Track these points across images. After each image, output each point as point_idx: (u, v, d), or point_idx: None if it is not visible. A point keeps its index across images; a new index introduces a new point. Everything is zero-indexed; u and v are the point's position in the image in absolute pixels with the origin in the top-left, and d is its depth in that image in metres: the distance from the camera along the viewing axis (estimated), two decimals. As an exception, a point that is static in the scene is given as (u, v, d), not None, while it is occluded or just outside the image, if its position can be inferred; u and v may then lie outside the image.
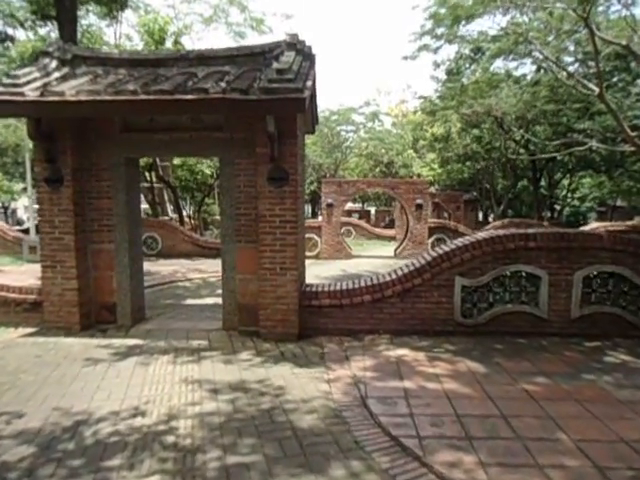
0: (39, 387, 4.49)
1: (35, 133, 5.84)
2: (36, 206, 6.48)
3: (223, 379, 4.69)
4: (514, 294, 6.27)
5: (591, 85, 17.24)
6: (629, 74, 22.78)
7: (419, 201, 16.05)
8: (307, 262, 8.56)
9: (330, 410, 4.02)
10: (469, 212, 30.62)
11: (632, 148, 16.49)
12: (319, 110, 8.18)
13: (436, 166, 38.01)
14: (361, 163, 43.21)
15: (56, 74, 6.13)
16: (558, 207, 38.22)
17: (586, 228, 19.75)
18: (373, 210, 46.55)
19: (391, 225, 34.35)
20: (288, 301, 6.11)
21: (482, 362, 5.20)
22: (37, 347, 5.74)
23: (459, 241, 6.43)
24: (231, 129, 6.19)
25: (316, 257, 16.05)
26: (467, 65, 27.13)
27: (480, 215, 38.75)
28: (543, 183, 33.47)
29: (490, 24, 22.29)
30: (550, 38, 18.26)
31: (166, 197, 23.95)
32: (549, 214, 36.14)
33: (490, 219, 39.38)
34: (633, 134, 14.98)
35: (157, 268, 12.95)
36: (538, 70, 24.89)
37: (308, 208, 45.22)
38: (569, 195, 37.73)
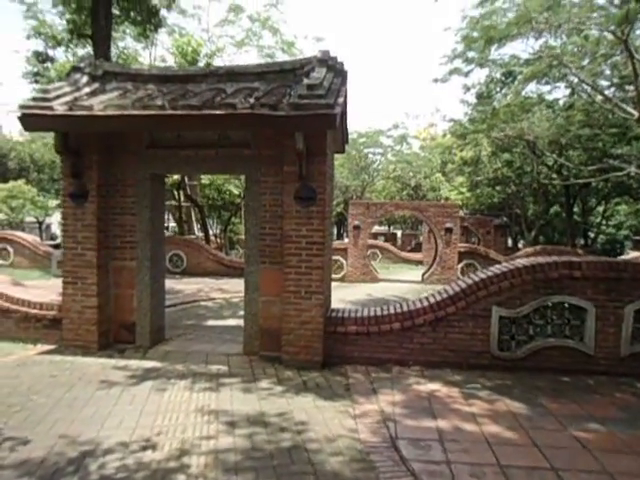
0: (49, 410, 4.26)
1: (62, 147, 5.79)
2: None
3: (241, 410, 4.37)
4: (557, 327, 5.78)
5: (629, 109, 16.63)
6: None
7: (449, 225, 15.60)
8: (332, 285, 8.24)
9: (357, 452, 3.65)
10: (499, 237, 29.82)
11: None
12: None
13: (464, 190, 37.43)
14: (388, 186, 42.96)
15: (86, 89, 6.11)
16: (592, 234, 36.94)
17: (627, 257, 18.84)
18: (399, 233, 46.02)
19: (417, 249, 33.78)
20: (312, 327, 5.79)
21: (524, 402, 4.74)
22: (53, 366, 5.55)
23: (497, 268, 6.02)
24: (258, 146, 6.01)
25: (341, 280, 15.69)
26: (498, 89, 26.82)
27: (509, 241, 37.77)
28: (576, 209, 32.45)
29: (522, 48, 21.97)
30: (585, 62, 17.81)
31: (193, 216, 24.12)
32: (582, 241, 34.94)
33: (519, 245, 38.36)
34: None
35: (181, 286, 12.84)
36: (572, 94, 24.36)
37: (334, 230, 45.04)
38: (603, 222, 36.46)
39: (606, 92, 18.78)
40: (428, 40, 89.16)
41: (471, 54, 18.66)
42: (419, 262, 25.51)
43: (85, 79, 6.25)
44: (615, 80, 19.83)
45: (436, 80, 20.52)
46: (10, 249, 17.33)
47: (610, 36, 17.05)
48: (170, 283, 12.93)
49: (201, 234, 22.03)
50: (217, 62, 19.68)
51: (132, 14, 10.76)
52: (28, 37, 15.21)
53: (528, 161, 28.48)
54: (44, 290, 8.60)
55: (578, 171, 25.13)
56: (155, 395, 4.69)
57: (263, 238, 6.07)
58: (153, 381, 5.10)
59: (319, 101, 5.14)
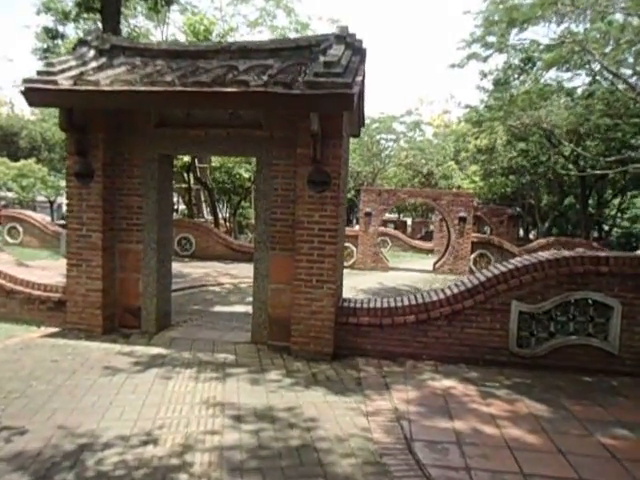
0: (49, 398, 4.10)
1: (67, 124, 5.56)
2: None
3: (248, 403, 4.17)
4: (579, 324, 5.51)
5: (654, 99, 16.03)
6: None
7: (462, 214, 15.24)
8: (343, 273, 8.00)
9: (369, 454, 3.44)
10: (511, 228, 29.34)
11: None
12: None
13: (477, 179, 36.81)
14: (400, 173, 42.40)
15: (93, 64, 5.85)
16: (606, 227, 36.26)
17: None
18: (409, 221, 45.57)
19: (428, 237, 33.41)
20: (323, 317, 5.57)
21: (545, 403, 4.49)
22: (56, 350, 5.40)
23: (518, 261, 5.73)
24: (271, 127, 5.73)
25: (351, 267, 15.45)
26: (516, 75, 26.08)
27: (521, 231, 37.22)
28: (591, 202, 31.77)
29: (543, 33, 21.25)
30: (607, 49, 17.19)
31: (203, 199, 23.92)
32: (596, 234, 34.29)
33: (530, 236, 37.79)
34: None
35: (189, 270, 12.69)
36: (592, 83, 23.64)
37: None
38: (618, 215, 35.72)
39: (629, 81, 18.14)
40: (444, 24, 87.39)
41: (490, 39, 18.09)
42: (430, 251, 25.18)
43: (92, 53, 5.99)
44: (638, 68, 19.17)
45: (453, 65, 19.94)
46: (20, 228, 17.28)
47: (636, 22, 16.40)
48: (178, 266, 12.80)
49: (210, 217, 21.85)
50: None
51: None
52: (38, 12, 14.93)
53: (544, 150, 27.85)
54: (50, 271, 8.47)
55: (595, 162, 24.51)
56: (159, 384, 4.51)
57: (274, 224, 5.83)
58: (158, 369, 4.92)
59: (336, 80, 4.84)
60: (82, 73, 5.53)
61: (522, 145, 28.49)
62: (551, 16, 16.32)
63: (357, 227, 16.14)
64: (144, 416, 3.82)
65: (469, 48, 19.05)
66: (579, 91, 24.54)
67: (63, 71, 5.44)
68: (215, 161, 20.81)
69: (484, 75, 25.85)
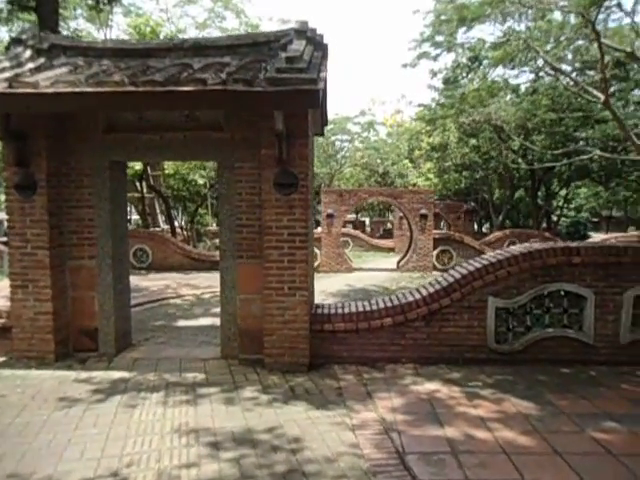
0: (-4, 441, 3.61)
1: (3, 132, 5.02)
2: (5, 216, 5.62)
3: (225, 427, 3.84)
4: (555, 317, 5.49)
5: (595, 92, 16.75)
6: (628, 82, 22.44)
7: (423, 211, 15.33)
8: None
9: (362, 473, 3.19)
10: (467, 223, 30.02)
11: (639, 157, 15.97)
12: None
13: (432, 176, 37.51)
14: (356, 173, 42.66)
15: (30, 65, 5.31)
16: (554, 218, 37.80)
17: (595, 240, 19.15)
18: (367, 220, 45.91)
19: (386, 235, 33.67)
20: (298, 326, 5.29)
21: (531, 400, 4.40)
22: (2, 383, 4.84)
23: (491, 256, 5.66)
24: (232, 129, 5.41)
25: (316, 270, 15.18)
26: (464, 74, 26.70)
27: (475, 226, 38.20)
28: (540, 194, 33.01)
29: (488, 32, 21.84)
30: (548, 47, 17.84)
31: (157, 208, 23.05)
32: (545, 225, 35.67)
33: (484, 229, 38.88)
34: (639, 142, 14.48)
35: (147, 283, 12.06)
36: (536, 79, 24.56)
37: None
38: (565, 206, 37.36)
39: (561, 77, 18.91)
40: (393, 25, 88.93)
41: (439, 38, 18.40)
42: (391, 249, 25.33)
43: (28, 53, 5.45)
44: (577, 65, 20.03)
45: (405, 65, 20.19)
46: (-44, 248, 15.97)
47: (573, 20, 17.10)
48: (135, 280, 12.13)
49: (166, 226, 21.08)
50: (178, 44, 18.64)
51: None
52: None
53: (494, 146, 28.66)
54: (-7, 293, 7.74)
55: (542, 155, 25.46)
56: (123, 413, 4.09)
57: (239, 230, 5.50)
58: (121, 396, 4.48)
59: (300, 75, 4.59)
60: (17, 75, 5.00)
61: (473, 141, 29.22)
62: (497, 15, 16.75)
63: (319, 229, 15.91)
64: (109, 453, 3.41)
65: (420, 48, 19.33)
66: (523, 88, 25.46)
67: (-5, 73, 4.90)
68: (169, 168, 20.09)
69: (434, 74, 26.33)
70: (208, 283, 11.86)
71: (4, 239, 23.80)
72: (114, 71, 5.14)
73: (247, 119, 5.31)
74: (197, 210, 22.03)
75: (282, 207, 5.21)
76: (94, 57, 5.58)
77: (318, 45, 5.39)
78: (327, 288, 11.33)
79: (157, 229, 20.68)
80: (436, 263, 15.82)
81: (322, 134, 7.03)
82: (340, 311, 5.62)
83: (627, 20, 18.73)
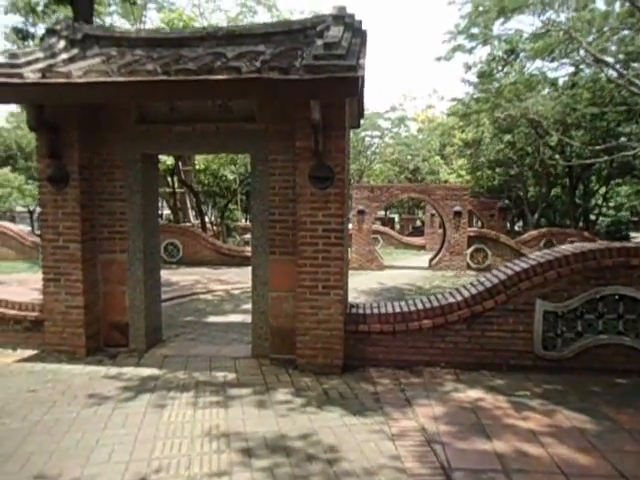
0: (24, 439, 3.52)
1: (36, 123, 4.95)
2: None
3: (257, 432, 3.65)
4: (609, 322, 5.09)
5: (643, 85, 15.85)
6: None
7: (457, 208, 14.86)
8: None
9: (406, 490, 2.94)
10: (501, 221, 29.18)
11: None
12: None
13: (464, 172, 36.67)
14: (386, 169, 42.11)
15: (63, 55, 5.25)
16: (592, 217, 36.37)
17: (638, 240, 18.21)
18: (397, 217, 45.29)
19: (416, 233, 33.09)
20: (331, 326, 5.06)
21: (585, 413, 4.05)
22: (33, 377, 4.80)
23: (539, 256, 5.30)
24: (265, 120, 5.21)
25: (345, 267, 14.97)
26: (500, 67, 25.88)
27: (508, 224, 37.13)
28: (577, 191, 31.78)
29: (527, 23, 21.08)
30: (590, 38, 17.04)
31: (188, 202, 23.22)
32: (582, 224, 34.36)
33: (516, 228, 37.73)
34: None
35: (177, 278, 12.07)
36: (576, 73, 23.57)
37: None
38: (604, 204, 35.86)
39: (610, 70, 18.03)
40: (424, 18, 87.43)
41: (475, 30, 17.83)
42: (422, 247, 24.87)
43: (62, 44, 5.39)
44: (621, 57, 19.09)
45: (439, 58, 19.70)
46: (-5, 240, 16.44)
47: (617, 9, 16.25)
48: (165, 274, 12.13)
49: (197, 222, 21.21)
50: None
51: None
52: (6, 12, 14.16)
53: (530, 142, 27.72)
54: (28, 285, 7.82)
55: (581, 151, 24.45)
56: (153, 414, 3.95)
57: (272, 225, 5.30)
58: (150, 394, 4.36)
59: (339, 62, 4.33)
60: (51, 65, 4.94)
61: (508, 137, 28.33)
62: (537, 5, 16.08)
63: (350, 226, 15.64)
64: (137, 456, 3.26)
65: (454, 40, 18.78)
66: (561, 81, 24.49)
67: (29, 63, 4.84)
68: (200, 163, 20.18)
69: (468, 68, 25.59)
70: (238, 279, 11.79)
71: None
72: (146, 61, 5.01)
73: (281, 110, 5.10)
74: (227, 205, 22.07)
75: (317, 202, 4.98)
76: (127, 47, 5.47)
77: (357, 31, 5.13)
78: (358, 286, 11.06)
79: (188, 224, 20.83)
80: (470, 262, 15.33)
81: (358, 126, 6.76)
82: (376, 311, 5.37)
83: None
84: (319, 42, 4.82)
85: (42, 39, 5.57)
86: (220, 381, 4.75)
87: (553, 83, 24.54)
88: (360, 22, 5.25)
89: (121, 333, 5.65)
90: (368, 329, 5.26)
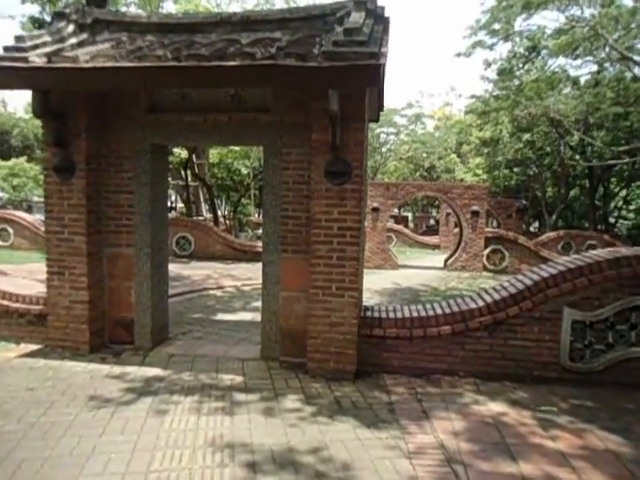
0: (18, 443, 3.32)
1: (43, 110, 4.75)
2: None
3: (264, 444, 3.40)
4: (643, 334, 4.75)
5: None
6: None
7: (475, 208, 14.47)
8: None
9: (425, 519, 2.67)
10: (519, 221, 28.60)
11: None
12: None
13: (480, 171, 36.04)
14: (401, 167, 41.65)
15: (72, 40, 5.04)
16: (612, 219, 35.49)
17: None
18: (410, 216, 44.80)
19: (429, 232, 32.62)
20: (345, 329, 4.80)
21: (619, 434, 3.73)
22: (33, 374, 4.62)
23: (569, 261, 4.97)
24: (280, 111, 4.95)
25: (358, 266, 14.67)
26: (520, 65, 25.30)
27: (524, 225, 36.42)
28: (597, 194, 31.01)
29: (549, 19, 20.55)
30: (615, 35, 16.48)
31: (201, 196, 23.11)
32: (602, 226, 33.57)
33: (531, 229, 37.00)
34: None
35: (188, 272, 11.90)
36: (600, 70, 22.93)
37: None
38: (624, 207, 34.96)
39: (636, 68, 17.44)
40: (445, 15, 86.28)
41: (496, 26, 17.36)
42: (436, 246, 24.47)
43: (71, 28, 5.18)
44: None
45: (459, 54, 19.26)
46: (10, 230, 16.42)
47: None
48: (176, 268, 12.02)
49: (209, 215, 21.07)
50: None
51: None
52: (23, 1, 14.06)
53: (550, 141, 27.09)
54: (33, 279, 7.66)
55: (603, 152, 23.80)
56: (154, 419, 3.73)
57: (285, 222, 5.05)
58: (152, 398, 4.14)
59: (360, 49, 4.05)
60: (59, 50, 4.73)
61: (527, 136, 27.72)
62: (562, 0, 15.59)
63: (364, 223, 15.35)
64: (135, 468, 3.04)
65: (475, 36, 18.31)
66: (584, 80, 23.84)
67: (36, 47, 4.64)
68: (213, 157, 20.02)
69: (488, 65, 25.12)
70: (249, 275, 11.58)
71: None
72: (157, 46, 4.78)
73: (297, 100, 4.83)
74: (240, 200, 21.92)
75: (333, 198, 4.71)
76: (138, 32, 5.25)
77: (379, 18, 4.82)
78: (372, 286, 10.76)
79: (200, 218, 20.71)
80: (486, 263, 14.94)
81: (377, 120, 6.47)
82: (392, 315, 5.09)
83: None
84: (339, 29, 4.54)
85: (50, 23, 5.35)
86: (226, 384, 4.52)
87: (575, 82, 23.91)
88: (383, 8, 4.95)
89: (126, 330, 5.46)
90: (383, 334, 4.98)
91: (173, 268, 11.65)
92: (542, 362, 4.83)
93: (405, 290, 10.64)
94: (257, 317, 6.28)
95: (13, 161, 25.47)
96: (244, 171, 21.82)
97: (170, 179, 22.13)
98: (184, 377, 4.66)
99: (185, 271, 11.94)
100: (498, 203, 25.00)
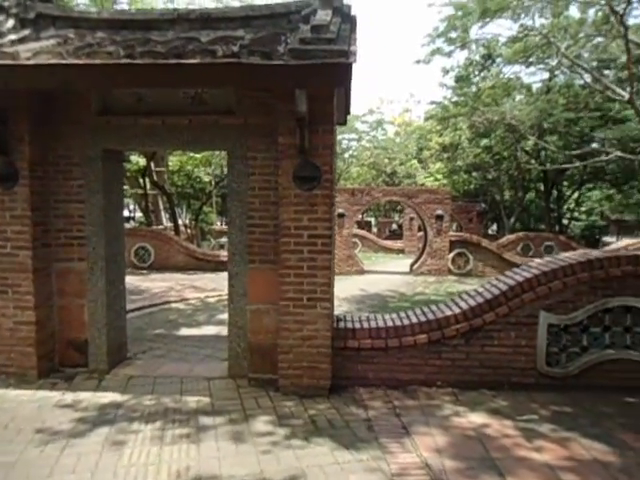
0: (-51, 491, 2.89)
1: (-21, 112, 4.29)
2: None
3: (234, 475, 3.10)
4: (616, 336, 4.73)
5: (619, 90, 15.98)
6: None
7: (439, 212, 14.57)
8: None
9: None
10: (479, 225, 29.22)
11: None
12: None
13: (440, 176, 36.73)
14: (363, 173, 41.92)
15: (12, 36, 4.58)
16: (566, 221, 36.90)
17: (614, 247, 18.29)
18: (373, 221, 45.11)
19: (392, 236, 32.88)
20: (318, 342, 4.55)
21: (602, 441, 3.64)
22: (-28, 407, 4.13)
23: (542, 264, 4.91)
24: (244, 113, 4.67)
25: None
26: (476, 72, 25.97)
27: (484, 228, 37.35)
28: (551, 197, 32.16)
29: (505, 27, 21.26)
30: (565, 44, 17.11)
31: (161, 205, 22.34)
32: (557, 228, 34.82)
33: (490, 231, 37.99)
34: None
35: (148, 284, 11.34)
36: (551, 78, 23.86)
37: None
38: (575, 208, 36.44)
39: (585, 75, 18.18)
40: (404, 23, 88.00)
41: (453, 34, 17.68)
42: (400, 251, 24.60)
43: (11, 23, 4.72)
44: (594, 64, 19.31)
45: (418, 61, 19.53)
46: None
47: (591, 17, 16.34)
48: (135, 280, 11.45)
49: (170, 225, 20.37)
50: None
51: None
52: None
53: (507, 146, 27.88)
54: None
55: (556, 156, 24.70)
56: (110, 453, 3.36)
57: (252, 231, 4.76)
58: (109, 428, 3.75)
59: (329, 47, 3.84)
60: (-3, 46, 4.29)
61: (485, 141, 28.45)
62: (516, 9, 16.01)
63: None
64: (88, 514, 2.68)
65: (433, 43, 18.60)
66: (535, 87, 24.77)
67: (-30, 43, 4.18)
68: (173, 164, 19.41)
69: (446, 72, 25.68)
70: (213, 285, 11.17)
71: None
72: (108, 43, 4.40)
73: (262, 101, 4.57)
74: (202, 208, 21.31)
75: (302, 204, 4.46)
76: (87, 29, 4.84)
77: (346, 17, 4.63)
78: (339, 293, 10.52)
79: (160, 227, 19.99)
80: (451, 267, 15.06)
81: (345, 123, 6.29)
82: (366, 325, 4.88)
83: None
84: (305, 27, 4.32)
85: (-12, 18, 4.88)
86: (192, 407, 4.17)
87: (529, 88, 24.79)
88: (349, 7, 4.76)
89: (79, 352, 5.00)
90: (358, 345, 4.76)
91: (132, 281, 11.10)
92: (519, 368, 4.74)
93: (373, 296, 10.50)
94: (223, 331, 5.95)
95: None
96: (205, 178, 21.28)
97: (128, 188, 21.28)
98: (144, 401, 4.28)
99: (145, 283, 11.38)
100: (459, 207, 25.45)
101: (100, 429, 3.71)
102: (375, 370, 4.79)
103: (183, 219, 24.87)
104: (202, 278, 12.71)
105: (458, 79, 26.61)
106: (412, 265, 15.54)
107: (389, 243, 26.38)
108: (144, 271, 14.12)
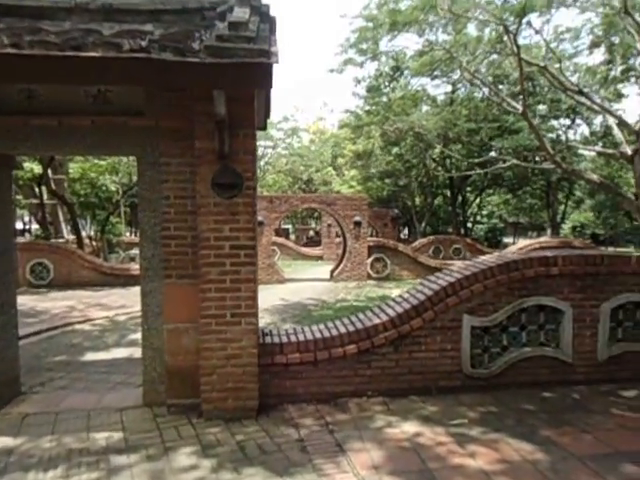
0: None
1: None
2: None
3: (155, 523, 2.72)
4: (532, 334, 4.96)
5: (514, 103, 17.41)
6: (534, 97, 23.96)
7: (357, 218, 14.80)
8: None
9: None
10: (393, 229, 30.32)
11: (552, 165, 16.72)
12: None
13: (355, 183, 37.70)
14: (279, 180, 41.83)
15: None
16: (470, 224, 39.56)
17: (514, 247, 19.82)
18: (291, 228, 45.18)
19: (311, 243, 33.13)
20: (244, 361, 4.25)
21: (528, 440, 3.73)
22: None
23: (462, 268, 5.02)
24: (156, 114, 4.27)
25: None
26: (386, 83, 27.03)
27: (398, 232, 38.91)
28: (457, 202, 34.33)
29: (412, 41, 22.37)
30: (465, 60, 18.38)
31: (61, 216, 20.45)
32: (462, 231, 37.23)
33: (401, 235, 39.76)
34: (552, 152, 15.13)
35: (47, 304, 10.23)
36: (454, 91, 25.54)
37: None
38: (478, 212, 39.28)
39: (484, 89, 19.64)
40: (314, 32, 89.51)
41: (364, 46, 18.21)
42: (319, 257, 24.76)
43: None
44: (490, 79, 20.94)
45: (332, 70, 19.82)
46: None
47: (487, 35, 17.71)
48: (31, 301, 10.29)
49: (72, 237, 18.69)
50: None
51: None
52: None
53: (416, 154, 29.27)
54: None
55: (460, 164, 26.41)
56: (-1, 514, 2.82)
57: (167, 243, 4.35)
58: (-2, 481, 3.18)
59: (249, 46, 3.60)
60: None
61: (396, 149, 29.66)
62: (423, 23, 16.83)
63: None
64: None
65: (346, 53, 19.02)
66: (441, 98, 26.39)
67: None
68: (74, 171, 17.86)
69: (358, 82, 26.40)
70: (122, 302, 10.34)
71: None
72: (-10, 31, 3.80)
73: (176, 102, 4.21)
74: (108, 218, 19.82)
75: (223, 213, 4.16)
76: (-38, 14, 4.17)
77: (265, 16, 4.41)
78: (261, 303, 10.13)
79: (60, 240, 18.27)
80: (370, 272, 15.34)
81: (265, 127, 6.05)
82: (294, 338, 4.67)
83: (536, 38, 19.98)
84: (221, 25, 4.04)
85: None
86: (101, 446, 3.68)
87: (434, 100, 26.30)
88: (268, 7, 4.56)
89: (-41, 390, 4.26)
90: (286, 360, 4.54)
91: (26, 301, 9.96)
92: (446, 372, 4.79)
93: (295, 306, 10.32)
94: (136, 353, 5.44)
95: None
96: (112, 187, 19.84)
97: (21, 197, 19.25)
98: (43, 444, 3.70)
99: (43, 303, 10.24)
100: (375, 213, 26.20)
101: (-14, 485, 3.13)
102: (304, 385, 4.59)
103: (87, 231, 23.00)
104: (110, 294, 11.76)
105: (369, 89, 27.52)
106: (332, 271, 15.61)
107: (308, 250, 26.46)
108: (42, 289, 12.78)
